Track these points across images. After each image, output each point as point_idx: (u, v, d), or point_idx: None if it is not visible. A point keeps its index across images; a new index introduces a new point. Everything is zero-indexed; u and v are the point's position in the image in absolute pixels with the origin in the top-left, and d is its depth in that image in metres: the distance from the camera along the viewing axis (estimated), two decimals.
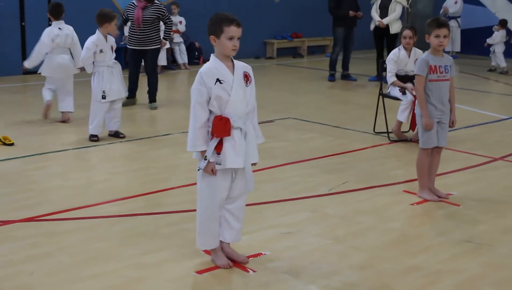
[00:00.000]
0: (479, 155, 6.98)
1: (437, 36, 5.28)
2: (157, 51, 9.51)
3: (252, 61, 14.95)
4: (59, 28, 8.14)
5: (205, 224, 4.05)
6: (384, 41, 12.32)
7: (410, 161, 6.74)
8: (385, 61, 7.81)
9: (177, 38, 13.61)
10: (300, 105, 9.85)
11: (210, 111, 3.88)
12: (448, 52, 16.00)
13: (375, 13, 12.16)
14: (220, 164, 3.88)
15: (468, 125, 8.51)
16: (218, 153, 3.87)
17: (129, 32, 9.52)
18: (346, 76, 12.66)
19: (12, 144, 7.01)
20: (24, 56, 12.15)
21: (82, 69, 7.96)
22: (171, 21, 9.67)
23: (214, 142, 3.86)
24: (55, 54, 8.13)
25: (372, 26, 12.34)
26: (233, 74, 3.88)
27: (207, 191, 3.98)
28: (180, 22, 13.69)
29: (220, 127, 3.84)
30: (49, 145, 7.11)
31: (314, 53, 16.76)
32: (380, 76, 12.00)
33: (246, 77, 3.94)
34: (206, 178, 3.95)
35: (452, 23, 15.91)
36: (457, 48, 16.20)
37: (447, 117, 5.45)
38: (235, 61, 3.96)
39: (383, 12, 12.08)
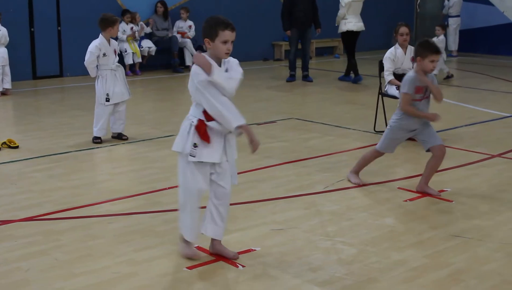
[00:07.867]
0: (477, 152, 7.02)
1: (432, 61, 5.39)
2: None
3: (260, 63, 15.05)
4: None
5: (186, 216, 4.16)
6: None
7: (407, 158, 6.83)
8: (382, 60, 7.87)
9: (189, 44, 13.75)
10: (304, 106, 9.94)
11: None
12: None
13: (342, 19, 12.19)
14: (194, 157, 4.00)
15: (468, 123, 8.56)
16: (195, 147, 3.99)
17: None
18: (304, 77, 12.66)
19: (17, 147, 7.17)
20: (34, 61, 12.41)
21: None
22: None
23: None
24: None
25: (344, 28, 12.25)
26: None
27: (186, 184, 4.10)
28: (190, 27, 13.81)
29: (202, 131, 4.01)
30: (53, 147, 7.26)
31: (322, 55, 16.82)
32: (348, 75, 12.38)
33: None
34: (185, 172, 4.07)
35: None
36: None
37: (424, 125, 5.59)
38: (223, 62, 4.08)
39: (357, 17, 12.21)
